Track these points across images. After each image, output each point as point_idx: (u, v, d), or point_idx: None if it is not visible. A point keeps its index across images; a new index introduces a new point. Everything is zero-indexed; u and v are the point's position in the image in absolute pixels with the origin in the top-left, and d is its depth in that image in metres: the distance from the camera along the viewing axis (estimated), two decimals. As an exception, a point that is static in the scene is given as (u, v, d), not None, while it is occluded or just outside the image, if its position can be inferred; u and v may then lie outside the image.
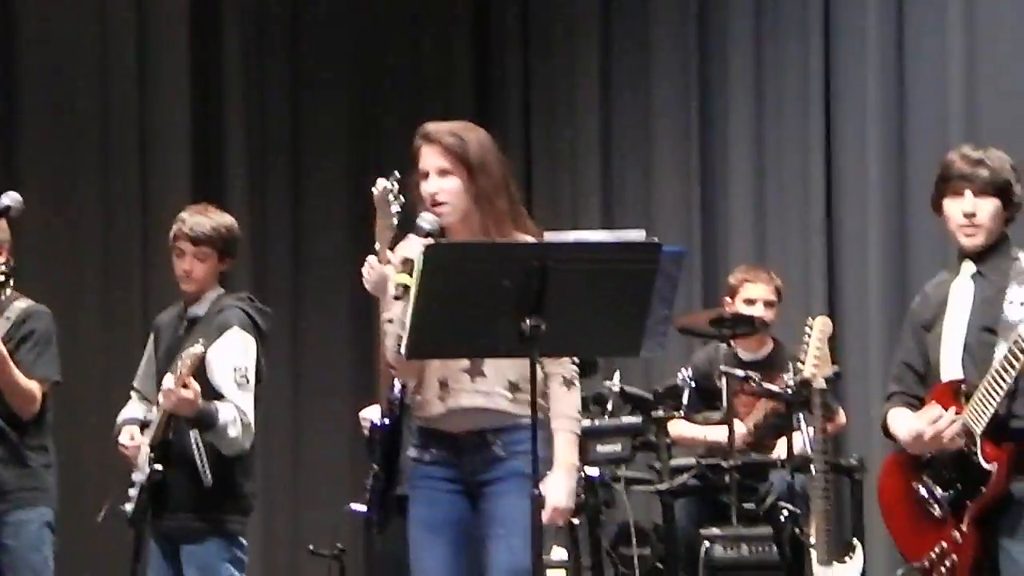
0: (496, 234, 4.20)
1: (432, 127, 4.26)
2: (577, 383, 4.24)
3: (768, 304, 6.47)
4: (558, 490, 4.13)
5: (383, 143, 8.53)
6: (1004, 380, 4.08)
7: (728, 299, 6.56)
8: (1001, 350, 4.10)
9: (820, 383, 5.69)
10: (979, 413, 4.13)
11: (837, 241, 7.60)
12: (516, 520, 4.03)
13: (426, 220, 4.25)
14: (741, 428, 6.29)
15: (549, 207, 8.59)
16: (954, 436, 4.17)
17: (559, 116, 8.66)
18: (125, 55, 7.89)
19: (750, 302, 6.46)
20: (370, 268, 4.57)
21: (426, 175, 4.26)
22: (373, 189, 4.63)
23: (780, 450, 6.21)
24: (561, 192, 8.62)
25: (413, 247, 4.17)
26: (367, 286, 4.61)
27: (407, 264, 4.12)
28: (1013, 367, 4.06)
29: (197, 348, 4.87)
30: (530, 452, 3.93)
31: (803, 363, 5.72)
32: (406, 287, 4.12)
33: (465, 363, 4.24)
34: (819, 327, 5.77)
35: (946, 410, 4.20)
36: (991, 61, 7.15)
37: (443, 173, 4.23)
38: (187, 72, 8.01)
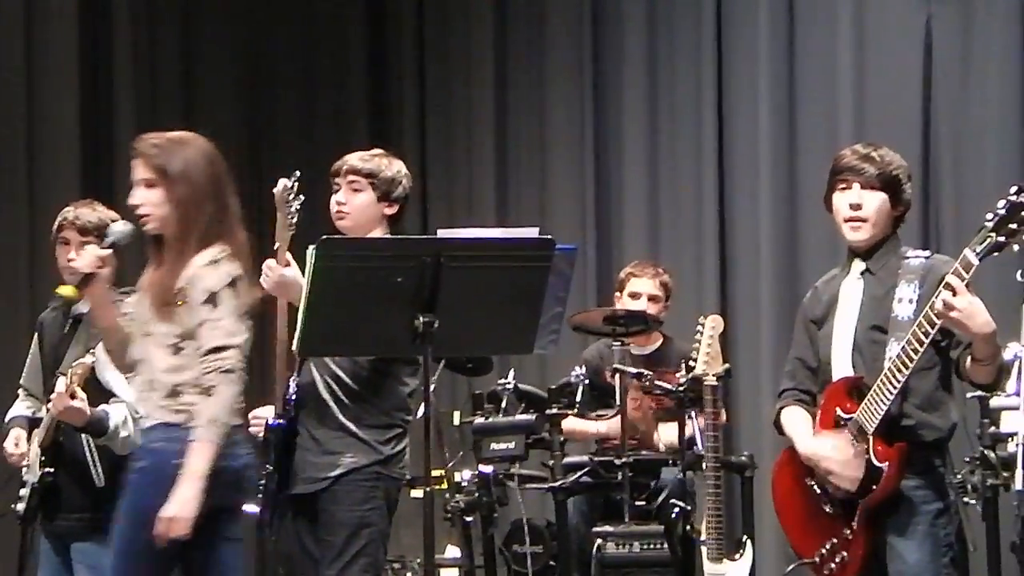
0: (179, 248, 4.18)
1: (140, 141, 4.31)
2: (222, 390, 4.11)
3: (652, 299, 6.49)
4: (172, 501, 4.08)
5: (276, 140, 8.47)
6: (896, 379, 4.11)
7: (617, 293, 6.59)
8: (893, 349, 4.14)
9: (711, 380, 5.73)
10: (871, 412, 4.17)
11: (729, 240, 7.67)
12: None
13: (113, 232, 4.34)
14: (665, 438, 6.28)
15: (444, 206, 8.59)
16: (842, 479, 4.22)
17: (454, 115, 8.66)
18: (13, 52, 7.77)
19: (634, 296, 6.50)
20: (268, 270, 4.57)
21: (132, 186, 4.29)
22: (274, 189, 4.62)
23: (666, 433, 6.24)
24: (456, 191, 8.62)
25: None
26: (266, 287, 4.60)
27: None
28: (906, 366, 4.10)
29: (87, 359, 4.86)
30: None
31: (695, 360, 5.76)
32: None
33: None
34: (711, 325, 5.81)
35: (842, 408, 4.23)
36: (879, 62, 7.25)
37: (147, 184, 4.23)
38: (76, 71, 7.90)
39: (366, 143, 8.01)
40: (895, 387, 4.12)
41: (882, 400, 4.14)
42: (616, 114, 8.09)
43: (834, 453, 4.23)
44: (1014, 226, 3.92)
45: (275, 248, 4.64)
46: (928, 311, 4.05)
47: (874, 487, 4.17)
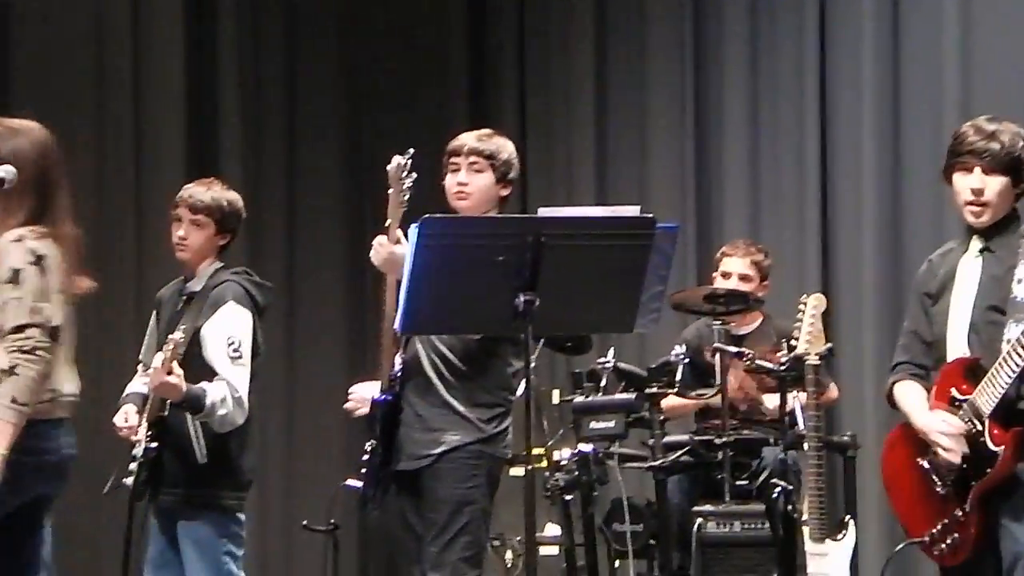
0: None
1: None
2: (22, 370, 4.08)
3: (743, 278, 6.46)
4: None
5: (377, 121, 8.51)
6: (1015, 362, 4.02)
7: (714, 273, 6.58)
8: (1012, 331, 4.04)
9: (813, 359, 5.69)
10: (989, 395, 4.09)
11: (831, 218, 7.60)
12: None
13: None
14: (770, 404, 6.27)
15: (544, 182, 8.58)
16: (953, 453, 4.16)
17: (554, 91, 8.64)
18: (121, 46, 7.87)
19: (726, 275, 6.48)
20: (379, 246, 4.60)
21: None
22: (388, 166, 4.64)
23: (769, 401, 6.22)
24: (556, 167, 8.61)
25: None
26: (375, 262, 4.64)
27: None
28: None
29: (178, 335, 4.90)
30: None
31: (797, 339, 5.72)
32: None
33: None
34: (813, 304, 5.78)
35: (958, 389, 4.18)
36: (985, 36, 7.13)
37: None
38: (182, 56, 7.99)
39: (465, 121, 8.13)
40: (1014, 370, 4.02)
41: (1000, 383, 4.06)
42: (717, 91, 8.04)
43: (948, 428, 4.17)
44: None
45: (386, 225, 4.67)
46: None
47: (988, 470, 4.10)
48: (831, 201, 7.60)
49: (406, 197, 4.64)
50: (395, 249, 4.62)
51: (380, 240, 4.65)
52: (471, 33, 8.90)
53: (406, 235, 4.43)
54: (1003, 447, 4.08)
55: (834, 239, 7.58)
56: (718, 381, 6.12)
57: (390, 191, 4.65)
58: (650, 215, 4.31)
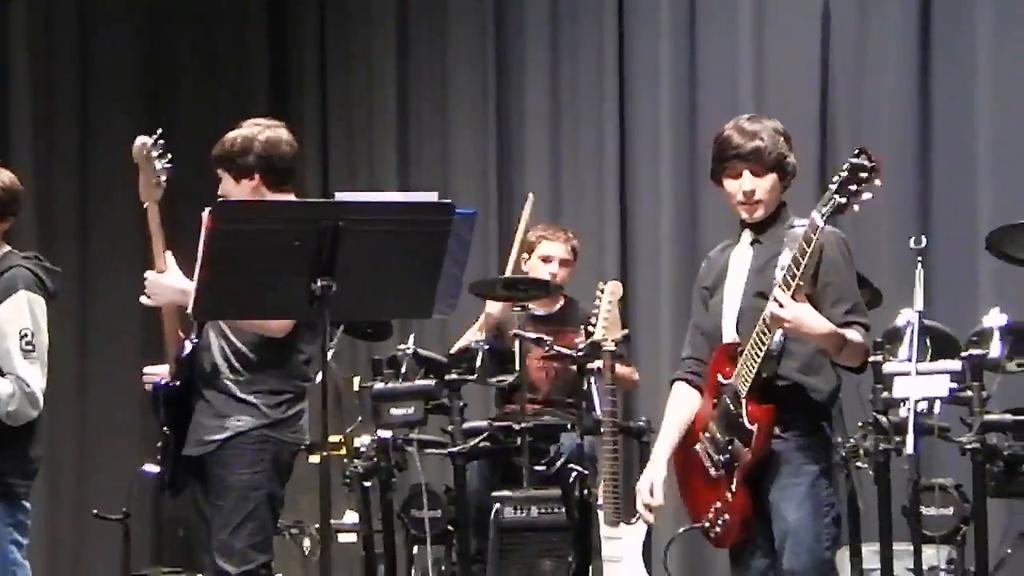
0: None
1: None
2: None
3: (564, 263, 6.51)
4: None
5: (176, 107, 8.38)
6: (763, 341, 4.16)
7: (526, 256, 6.58)
8: (766, 312, 4.18)
9: (610, 345, 5.76)
10: (744, 375, 4.22)
11: (630, 206, 7.71)
12: None
13: None
14: None
15: (346, 168, 8.54)
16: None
17: (356, 77, 8.61)
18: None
19: (546, 259, 6.50)
20: (149, 283, 4.54)
21: None
22: (132, 146, 4.56)
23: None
24: (357, 154, 8.58)
25: None
26: (151, 300, 4.58)
27: None
28: (768, 331, 4.15)
29: None
30: None
31: (594, 326, 5.78)
32: None
33: None
34: (610, 291, 5.85)
35: (722, 374, 4.28)
36: (778, 36, 7.31)
37: None
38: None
39: (264, 107, 8.04)
40: (762, 349, 4.16)
41: (752, 363, 4.19)
42: (519, 77, 8.08)
43: (660, 483, 4.37)
44: (854, 187, 4.00)
45: (144, 207, 4.61)
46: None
47: (747, 449, 4.22)
48: (629, 190, 7.71)
49: (162, 178, 4.57)
50: (160, 279, 4.59)
51: (148, 274, 4.61)
52: (271, 17, 8.81)
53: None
54: (757, 424, 4.19)
55: (632, 228, 7.69)
56: (517, 367, 6.15)
57: (140, 173, 4.58)
58: (448, 200, 4.32)
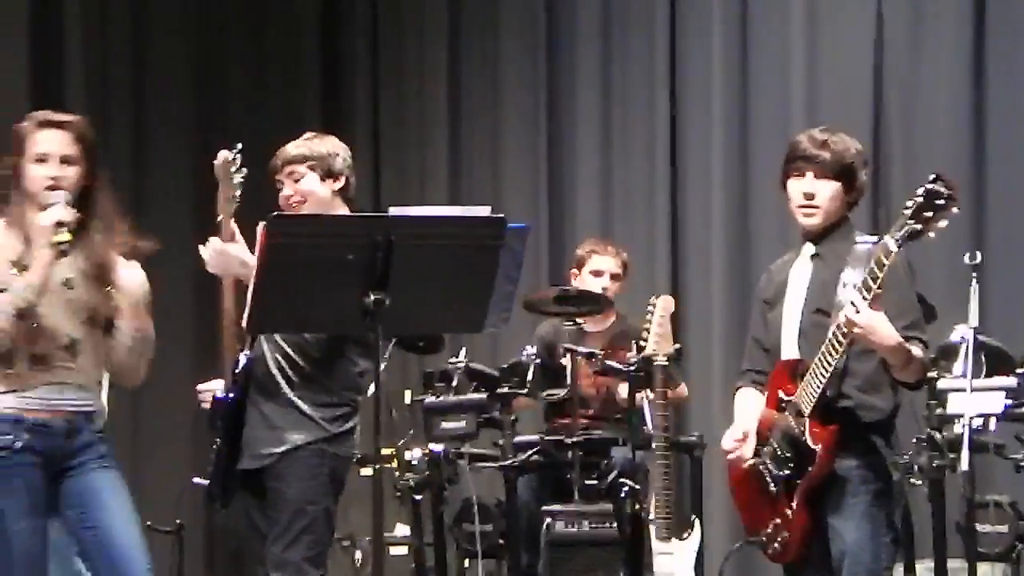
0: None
1: (55, 115, 4.36)
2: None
3: (614, 276, 6.52)
4: None
5: (228, 120, 8.43)
6: (829, 361, 4.14)
7: (575, 271, 6.59)
8: (831, 332, 4.16)
9: (661, 360, 5.75)
10: (808, 394, 4.20)
11: (681, 220, 7.69)
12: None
13: (57, 195, 4.27)
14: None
15: (397, 182, 8.57)
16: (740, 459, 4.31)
17: (408, 91, 8.63)
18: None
19: (597, 274, 6.50)
20: (210, 247, 4.57)
21: (45, 157, 4.30)
22: (214, 161, 4.59)
23: (622, 389, 6.25)
24: (409, 166, 8.60)
25: (61, 210, 4.23)
26: (207, 264, 4.59)
27: (61, 224, 4.20)
28: (837, 349, 4.13)
29: None
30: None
31: (646, 340, 5.77)
32: (66, 243, 4.19)
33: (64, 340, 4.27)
34: (662, 305, 5.84)
35: (784, 391, 4.27)
36: (831, 48, 7.28)
37: (67, 160, 4.30)
38: (26, 55, 7.84)
39: (318, 120, 8.07)
40: (828, 369, 4.14)
41: (817, 382, 4.17)
42: (570, 92, 8.09)
43: (730, 443, 4.35)
44: (929, 214, 3.97)
45: (217, 221, 4.62)
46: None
47: (810, 468, 4.20)
48: (681, 204, 7.69)
49: (237, 192, 4.61)
50: (227, 248, 4.59)
51: (212, 241, 4.62)
52: (324, 31, 8.85)
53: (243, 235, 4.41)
54: (821, 445, 4.18)
55: (683, 242, 7.68)
56: (568, 382, 6.15)
57: (220, 187, 4.61)
58: (500, 215, 4.32)
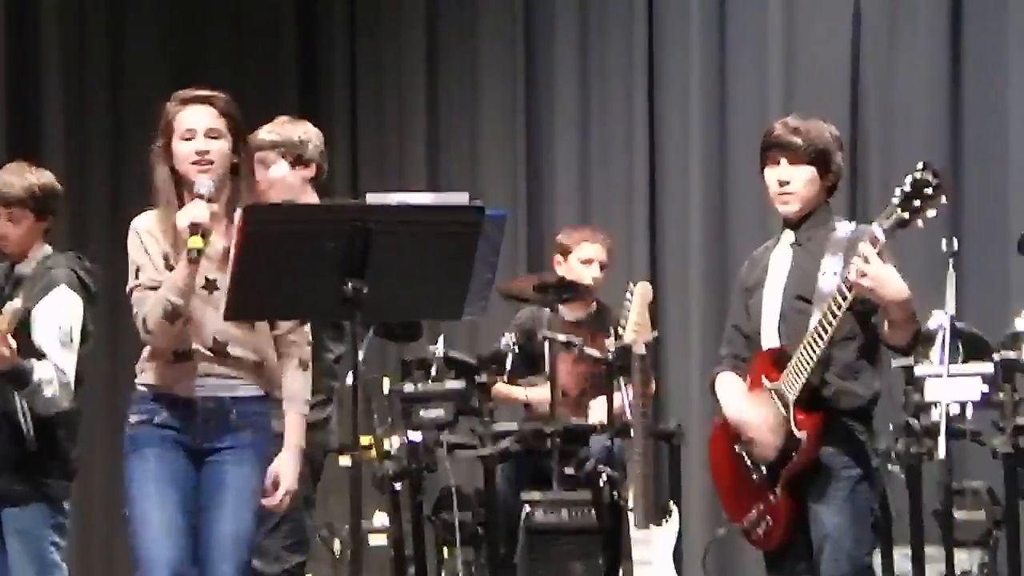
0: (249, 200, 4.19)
1: (199, 91, 4.30)
2: (310, 366, 4.26)
3: (603, 265, 6.49)
4: (288, 473, 4.20)
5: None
6: (815, 349, 4.15)
7: (559, 258, 6.54)
8: (815, 320, 4.18)
9: (640, 348, 5.75)
10: (793, 382, 4.21)
11: (659, 208, 7.70)
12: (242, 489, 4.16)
13: (204, 184, 4.20)
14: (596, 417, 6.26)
15: (375, 168, 8.56)
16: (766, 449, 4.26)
17: (386, 77, 8.62)
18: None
19: (587, 262, 6.44)
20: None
21: (192, 134, 4.24)
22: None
23: (597, 410, 6.24)
24: (388, 153, 8.59)
25: (197, 210, 4.11)
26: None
27: (196, 228, 4.09)
28: (823, 336, 4.14)
29: (15, 303, 4.75)
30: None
31: (624, 328, 5.77)
32: (199, 251, 4.08)
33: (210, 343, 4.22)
34: (640, 293, 5.83)
35: (767, 377, 4.27)
36: (808, 32, 7.30)
37: (213, 134, 4.23)
38: (2, 40, 7.81)
39: (295, 108, 8.05)
40: (813, 356, 4.15)
41: (802, 369, 4.18)
42: (548, 80, 8.09)
43: (758, 421, 4.26)
44: (917, 203, 3.97)
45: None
46: (841, 281, 4.09)
47: (794, 455, 4.21)
48: (659, 191, 7.70)
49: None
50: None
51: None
52: (301, 18, 8.83)
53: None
54: (806, 432, 4.18)
55: (662, 229, 7.69)
56: (547, 369, 6.15)
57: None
58: (478, 202, 4.32)
